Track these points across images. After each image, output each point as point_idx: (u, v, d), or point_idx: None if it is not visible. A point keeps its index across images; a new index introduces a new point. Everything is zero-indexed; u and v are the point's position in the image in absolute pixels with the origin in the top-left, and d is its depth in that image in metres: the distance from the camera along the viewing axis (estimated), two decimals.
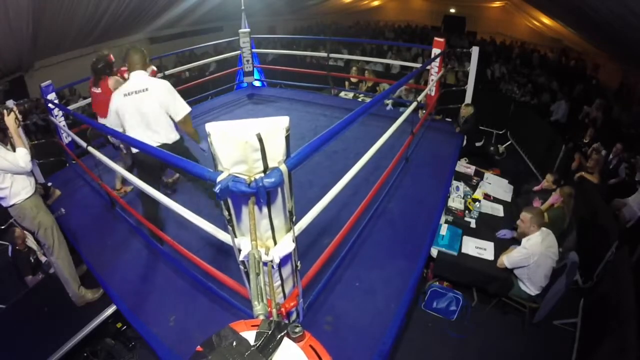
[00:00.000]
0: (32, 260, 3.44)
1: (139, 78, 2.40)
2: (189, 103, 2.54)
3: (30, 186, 2.44)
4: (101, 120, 3.01)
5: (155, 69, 3.49)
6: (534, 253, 2.75)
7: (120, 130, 2.43)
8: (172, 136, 2.49)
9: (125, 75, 2.89)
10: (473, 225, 3.39)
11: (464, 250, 3.08)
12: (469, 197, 3.62)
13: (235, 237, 1.50)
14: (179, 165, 1.56)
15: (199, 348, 0.83)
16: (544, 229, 2.87)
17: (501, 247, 3.11)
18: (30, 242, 3.52)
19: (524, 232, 2.89)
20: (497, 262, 2.96)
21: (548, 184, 3.80)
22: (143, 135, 2.34)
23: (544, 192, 3.76)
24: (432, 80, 4.48)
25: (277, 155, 1.28)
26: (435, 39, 4.39)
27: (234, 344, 0.84)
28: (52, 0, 5.51)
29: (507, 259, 2.88)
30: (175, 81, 7.05)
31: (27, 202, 2.41)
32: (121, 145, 3.14)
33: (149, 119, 2.37)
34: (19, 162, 2.27)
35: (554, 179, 3.76)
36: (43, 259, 3.49)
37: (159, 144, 2.40)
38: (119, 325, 2.90)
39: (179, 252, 2.28)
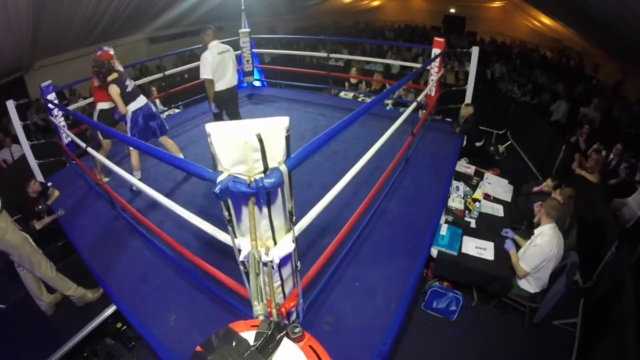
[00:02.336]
0: None
1: (220, 44, 3.69)
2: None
3: None
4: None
5: None
6: (551, 246, 2.75)
7: (212, 76, 3.60)
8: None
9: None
10: (473, 225, 3.38)
11: (464, 250, 3.07)
12: (469, 197, 3.62)
13: (235, 237, 1.50)
14: (179, 166, 1.56)
15: (198, 348, 0.83)
16: (555, 225, 2.87)
17: (501, 247, 3.11)
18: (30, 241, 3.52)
19: (540, 220, 2.93)
20: (517, 272, 2.91)
21: (548, 188, 3.80)
22: (227, 79, 3.77)
23: (543, 194, 3.76)
24: (432, 80, 4.47)
25: (277, 156, 1.28)
26: (435, 39, 4.39)
27: (234, 344, 0.84)
28: (52, 0, 5.51)
29: (526, 264, 2.83)
30: (175, 81, 7.05)
31: None
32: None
33: (231, 69, 3.77)
34: None
35: (554, 184, 3.76)
36: None
37: (234, 84, 3.88)
38: (119, 325, 2.90)
39: (179, 252, 2.28)
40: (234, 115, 4.09)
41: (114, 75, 3.09)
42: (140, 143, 1.96)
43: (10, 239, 2.37)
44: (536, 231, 2.90)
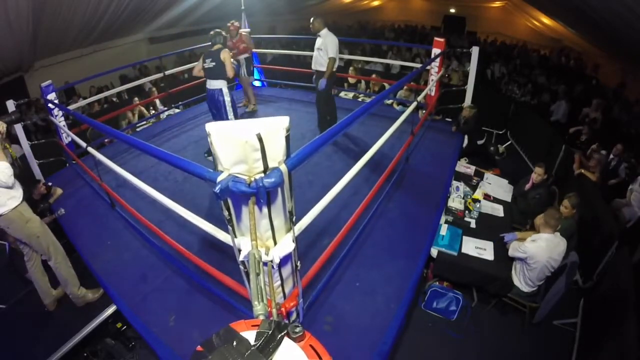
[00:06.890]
0: None
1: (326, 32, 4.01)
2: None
3: (18, 196, 2.37)
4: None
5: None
6: (532, 255, 2.75)
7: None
8: None
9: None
10: (473, 225, 3.38)
11: (464, 250, 3.08)
12: (469, 197, 3.61)
13: (235, 237, 1.51)
14: (179, 166, 1.56)
15: (199, 348, 0.83)
16: (555, 236, 2.80)
17: (501, 248, 3.11)
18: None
19: (538, 227, 2.90)
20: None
21: (539, 176, 3.68)
22: None
23: (540, 188, 3.69)
24: (432, 80, 4.48)
25: (277, 155, 1.28)
26: (435, 39, 4.40)
27: (234, 343, 0.84)
28: (52, 0, 5.50)
29: (511, 248, 2.95)
30: (175, 81, 7.05)
31: (13, 213, 2.33)
32: None
33: None
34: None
35: (544, 169, 3.68)
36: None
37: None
38: (119, 325, 2.89)
39: (179, 252, 2.28)
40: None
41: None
42: (139, 142, 1.95)
43: (32, 226, 2.43)
44: (534, 236, 2.87)
